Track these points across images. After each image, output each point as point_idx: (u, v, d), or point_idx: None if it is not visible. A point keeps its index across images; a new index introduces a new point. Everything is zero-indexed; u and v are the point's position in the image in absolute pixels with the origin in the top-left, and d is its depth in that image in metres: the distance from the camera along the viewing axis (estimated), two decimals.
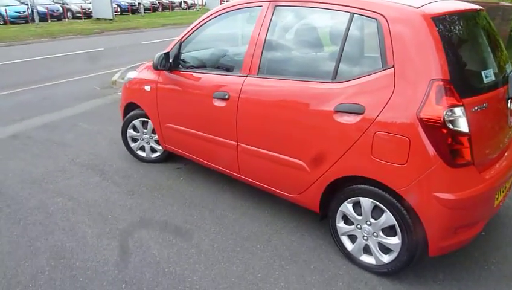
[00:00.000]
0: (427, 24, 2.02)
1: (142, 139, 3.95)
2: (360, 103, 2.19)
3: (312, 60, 2.60)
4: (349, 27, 2.30)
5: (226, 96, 2.85)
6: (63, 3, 20.98)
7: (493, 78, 2.22)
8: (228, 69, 2.97)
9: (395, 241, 2.24)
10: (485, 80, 2.15)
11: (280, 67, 2.68)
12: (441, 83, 1.96)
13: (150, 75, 3.55)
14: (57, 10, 19.79)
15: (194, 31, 3.20)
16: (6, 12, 17.68)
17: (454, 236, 2.14)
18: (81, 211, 3.14)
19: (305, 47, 2.68)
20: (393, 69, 2.09)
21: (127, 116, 3.91)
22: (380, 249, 2.34)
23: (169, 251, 2.64)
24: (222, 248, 2.68)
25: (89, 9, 21.04)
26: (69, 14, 20.50)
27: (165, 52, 3.25)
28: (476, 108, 2.04)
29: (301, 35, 2.70)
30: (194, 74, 3.17)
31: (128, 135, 3.97)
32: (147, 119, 3.75)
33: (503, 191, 2.43)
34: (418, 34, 2.04)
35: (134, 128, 3.92)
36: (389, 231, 2.25)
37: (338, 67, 2.32)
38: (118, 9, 23.34)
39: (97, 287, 2.33)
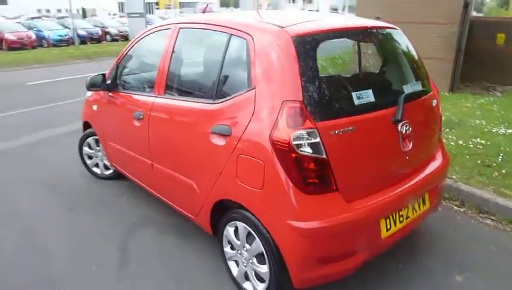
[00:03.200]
0: (286, 44, 1.96)
1: (96, 157, 4.09)
2: (228, 125, 2.15)
3: (201, 80, 2.60)
4: (227, 48, 2.28)
5: (141, 117, 2.91)
6: (102, 27, 22.46)
7: (371, 99, 2.07)
8: (146, 90, 3.03)
9: (265, 269, 2.14)
10: (357, 102, 2.02)
11: (179, 88, 2.70)
12: (293, 104, 1.88)
13: (97, 95, 3.70)
14: (97, 33, 21.22)
15: (126, 53, 3.31)
16: (49, 36, 19.23)
17: (320, 268, 1.99)
18: (14, 225, 3.28)
19: (197, 67, 2.69)
20: (254, 90, 2.04)
21: (82, 134, 4.08)
22: (256, 277, 2.24)
23: (70, 265, 2.69)
24: (122, 264, 2.68)
25: (126, 31, 22.33)
26: (107, 36, 21.88)
27: (101, 73, 3.39)
28: (337, 131, 1.91)
29: (195, 56, 2.73)
30: (123, 94, 3.27)
31: (84, 152, 4.13)
32: None
33: (400, 222, 2.24)
34: (276, 53, 1.98)
35: (90, 146, 4.08)
36: (261, 258, 2.15)
37: (217, 87, 2.30)
38: None
39: None
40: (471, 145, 4.50)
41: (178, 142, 2.58)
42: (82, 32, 20.36)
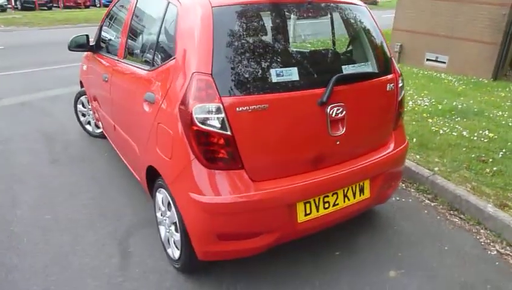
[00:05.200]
0: (205, 14, 1.90)
1: (89, 115, 4.29)
2: (154, 93, 2.15)
3: (146, 47, 2.59)
4: (165, 16, 2.25)
5: (106, 79, 2.99)
6: None
7: (294, 77, 1.96)
8: (114, 53, 3.09)
9: (178, 237, 2.18)
10: (275, 79, 1.92)
11: (132, 53, 2.73)
12: (201, 77, 1.84)
13: (88, 55, 3.83)
14: None
15: (105, 18, 3.38)
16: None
17: (222, 244, 1.98)
18: (1, 170, 3.58)
19: (146, 34, 2.66)
20: (175, 59, 2.02)
21: (77, 93, 4.28)
22: (174, 244, 2.29)
23: (29, 211, 2.91)
24: (74, 219, 2.85)
25: None
26: None
27: (85, 34, 3.49)
28: (245, 108, 1.85)
29: (145, 22, 2.70)
30: (101, 56, 3.36)
31: (78, 110, 4.34)
32: None
33: (325, 208, 2.15)
34: (195, 24, 1.93)
35: (83, 104, 4.27)
36: (176, 226, 2.19)
37: (154, 55, 2.30)
38: None
39: None
40: (475, 138, 4.15)
41: (127, 106, 2.64)
42: None
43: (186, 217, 1.99)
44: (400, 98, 2.47)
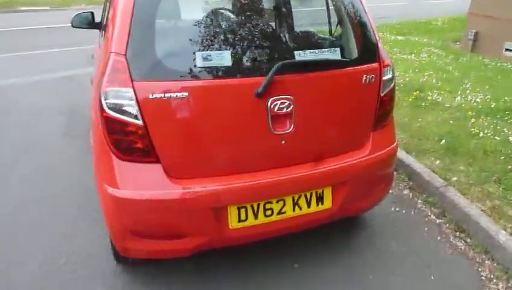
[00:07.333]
0: None
1: None
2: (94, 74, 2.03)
3: (105, 24, 2.44)
4: None
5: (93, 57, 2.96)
6: None
7: (226, 62, 1.69)
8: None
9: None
10: (201, 63, 1.66)
11: (103, 31, 2.61)
12: (115, 57, 1.66)
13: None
14: None
15: None
16: None
17: (139, 241, 1.81)
18: (15, 139, 3.81)
19: (109, 10, 2.51)
20: (106, 37, 1.86)
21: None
22: None
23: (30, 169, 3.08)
24: (55, 189, 2.92)
25: None
26: None
27: (90, 11, 3.49)
28: (159, 95, 1.63)
29: None
30: (99, 35, 3.34)
31: None
32: None
33: (267, 216, 1.87)
34: (119, 2, 1.74)
35: None
36: None
37: (104, 33, 2.17)
38: None
39: None
40: None
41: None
42: None
43: (104, 210, 1.86)
44: (384, 93, 2.05)
